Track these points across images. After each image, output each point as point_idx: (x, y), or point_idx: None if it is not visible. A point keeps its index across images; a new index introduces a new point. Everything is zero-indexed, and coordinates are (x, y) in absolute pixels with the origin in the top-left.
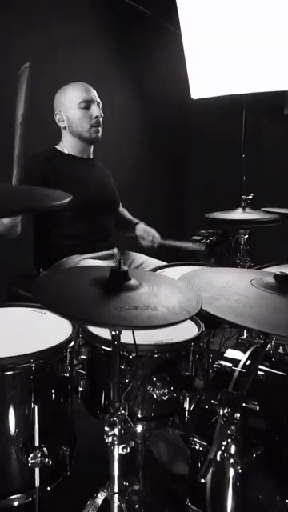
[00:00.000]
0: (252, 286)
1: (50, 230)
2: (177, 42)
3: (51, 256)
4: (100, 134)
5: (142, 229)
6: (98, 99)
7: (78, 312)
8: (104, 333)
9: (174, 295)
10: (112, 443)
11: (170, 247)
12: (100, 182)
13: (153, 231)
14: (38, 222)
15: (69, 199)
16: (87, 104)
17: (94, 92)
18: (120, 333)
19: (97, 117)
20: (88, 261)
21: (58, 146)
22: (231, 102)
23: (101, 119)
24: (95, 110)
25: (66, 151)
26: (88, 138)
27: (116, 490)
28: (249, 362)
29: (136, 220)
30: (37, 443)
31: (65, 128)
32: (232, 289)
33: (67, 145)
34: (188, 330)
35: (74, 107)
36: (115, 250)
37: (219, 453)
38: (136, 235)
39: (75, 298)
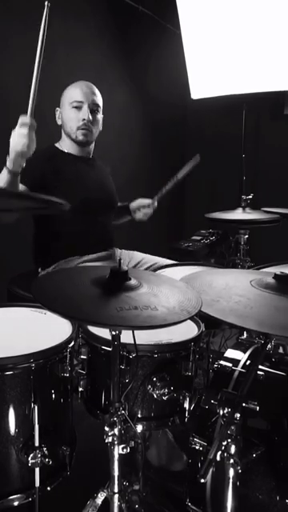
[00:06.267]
0: (252, 287)
1: (49, 230)
2: (177, 41)
3: (50, 255)
4: (89, 138)
5: (137, 202)
6: (97, 101)
7: (78, 312)
8: (104, 333)
9: (174, 295)
10: (112, 443)
11: (162, 198)
12: (99, 182)
13: (147, 200)
14: (37, 222)
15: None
16: (78, 104)
17: (97, 93)
18: (120, 333)
19: (84, 119)
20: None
21: (57, 144)
22: (231, 101)
23: (90, 123)
24: (84, 113)
25: (65, 150)
26: (74, 140)
27: (116, 490)
28: (249, 362)
29: (126, 203)
30: (37, 443)
31: (61, 126)
32: (232, 290)
33: (64, 143)
34: (188, 330)
35: (68, 106)
36: (115, 250)
37: (219, 453)
38: (131, 214)
39: (75, 298)
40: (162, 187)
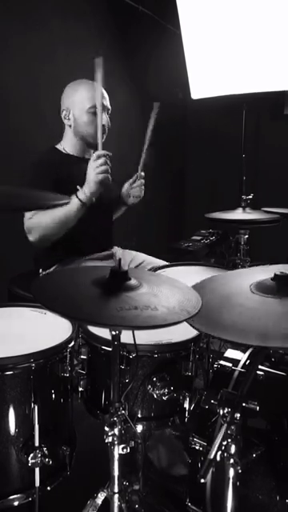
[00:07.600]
0: (252, 293)
1: None
2: (177, 41)
3: (51, 256)
4: (103, 141)
5: (124, 187)
6: (109, 106)
7: (78, 312)
8: (104, 333)
9: (174, 295)
10: (112, 443)
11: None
12: None
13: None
14: None
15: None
16: (96, 110)
17: (106, 97)
18: (120, 333)
19: (103, 125)
20: (89, 263)
21: (58, 146)
22: (231, 101)
23: (107, 128)
24: (103, 118)
25: (67, 151)
26: (91, 143)
27: (116, 490)
28: (249, 362)
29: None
30: (37, 443)
31: (70, 126)
32: (233, 299)
33: (69, 144)
34: (188, 330)
35: (83, 110)
36: (115, 249)
37: (219, 453)
38: (126, 203)
39: (75, 298)
40: (140, 153)
